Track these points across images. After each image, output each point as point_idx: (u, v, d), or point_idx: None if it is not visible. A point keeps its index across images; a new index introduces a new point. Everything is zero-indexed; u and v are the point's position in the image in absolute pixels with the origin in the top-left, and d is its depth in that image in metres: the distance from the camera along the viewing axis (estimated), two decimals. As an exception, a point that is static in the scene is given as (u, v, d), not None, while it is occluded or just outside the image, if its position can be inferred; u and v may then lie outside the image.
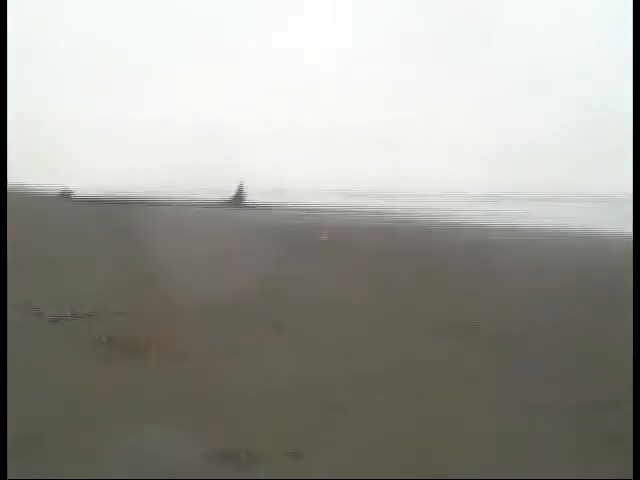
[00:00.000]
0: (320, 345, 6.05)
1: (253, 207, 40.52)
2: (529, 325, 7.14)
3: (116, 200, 42.33)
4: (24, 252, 10.83)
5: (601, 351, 6.09)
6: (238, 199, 43.78)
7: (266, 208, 40.31)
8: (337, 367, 5.31)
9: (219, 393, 4.57)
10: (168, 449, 3.58)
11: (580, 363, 5.68)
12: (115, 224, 21.19)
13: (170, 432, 3.79)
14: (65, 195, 45.50)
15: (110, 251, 12.44)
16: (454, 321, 7.19)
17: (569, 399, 4.66)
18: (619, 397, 4.55)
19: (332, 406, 4.34)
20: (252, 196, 45.46)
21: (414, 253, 14.94)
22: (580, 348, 6.20)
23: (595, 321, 7.50)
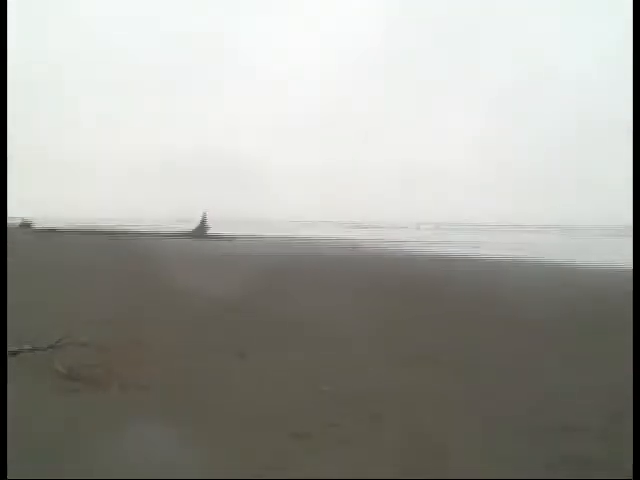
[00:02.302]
0: (285, 374, 6.09)
1: (217, 238, 40.50)
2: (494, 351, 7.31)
3: (78, 231, 41.66)
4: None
5: (568, 376, 6.25)
6: (201, 230, 43.73)
7: (230, 239, 40.33)
8: (302, 394, 5.37)
9: (178, 424, 4.57)
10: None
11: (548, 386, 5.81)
12: (77, 255, 20.85)
13: (129, 463, 3.78)
14: (25, 225, 44.67)
15: (72, 283, 12.25)
16: (422, 349, 7.30)
17: (534, 421, 4.78)
18: (584, 421, 4.72)
19: (297, 434, 4.37)
20: (216, 227, 45.54)
21: (385, 283, 15.10)
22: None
23: (564, 345, 7.70)
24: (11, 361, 5.76)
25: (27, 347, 5.91)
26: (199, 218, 45.22)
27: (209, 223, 44.73)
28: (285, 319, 9.08)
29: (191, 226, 45.79)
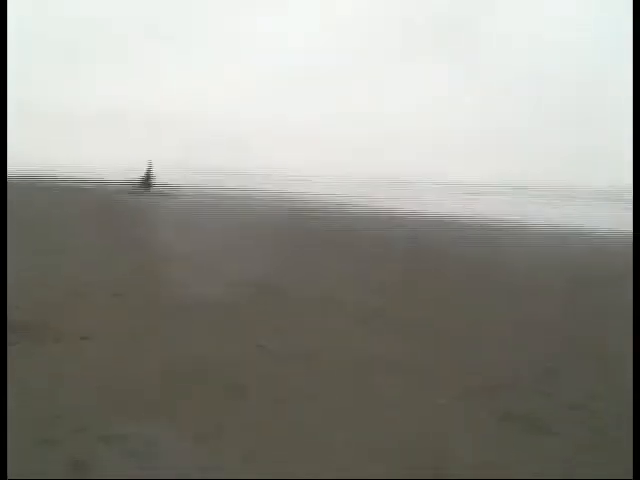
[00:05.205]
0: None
1: (162, 189, 39.22)
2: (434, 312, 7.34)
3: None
4: None
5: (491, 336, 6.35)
6: (147, 181, 42.31)
7: (174, 190, 39.11)
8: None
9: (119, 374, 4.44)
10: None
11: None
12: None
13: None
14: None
15: None
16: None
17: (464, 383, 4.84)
18: (511, 380, 4.84)
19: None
20: (160, 178, 43.77)
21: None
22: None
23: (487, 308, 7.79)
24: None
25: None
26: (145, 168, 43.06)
27: (154, 174, 42.81)
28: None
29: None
